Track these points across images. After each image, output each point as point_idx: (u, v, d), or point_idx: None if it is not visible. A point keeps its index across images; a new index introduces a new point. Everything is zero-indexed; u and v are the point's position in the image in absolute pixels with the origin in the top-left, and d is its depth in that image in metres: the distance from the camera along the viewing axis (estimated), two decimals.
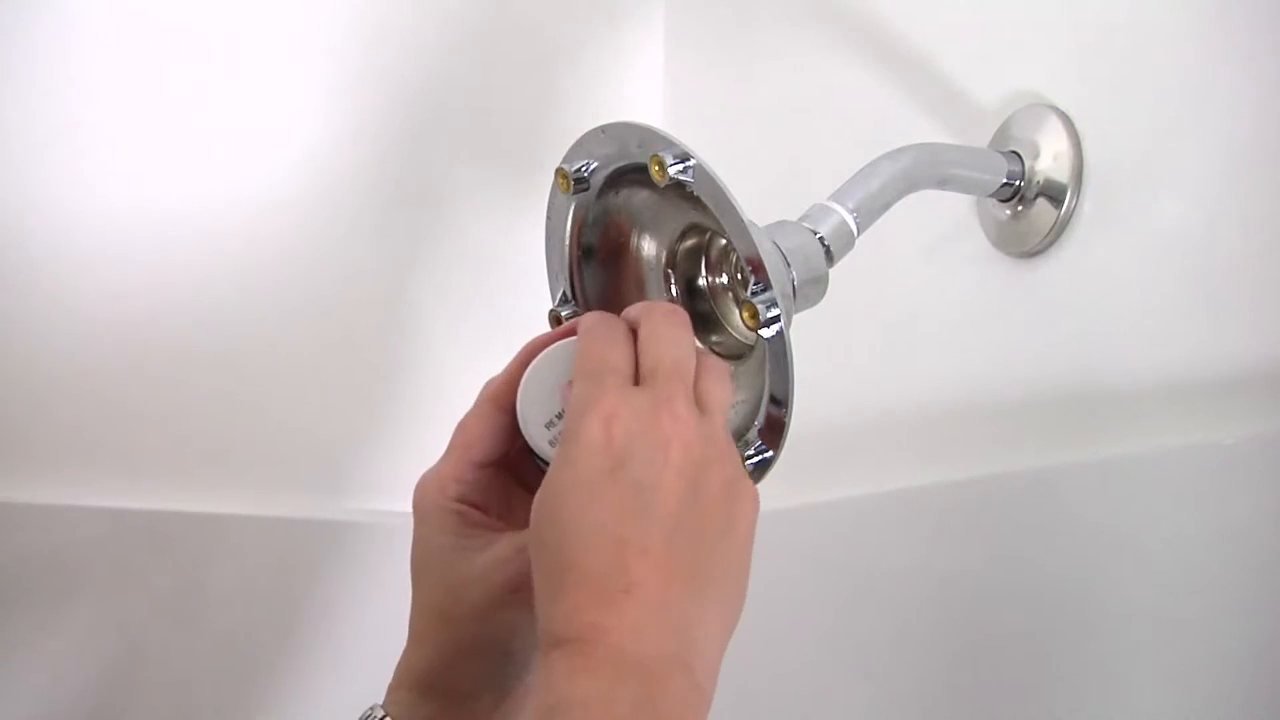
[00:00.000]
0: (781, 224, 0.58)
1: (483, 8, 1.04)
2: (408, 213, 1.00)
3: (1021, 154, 0.72)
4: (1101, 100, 0.70)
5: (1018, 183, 0.71)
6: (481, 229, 1.02)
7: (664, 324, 0.50)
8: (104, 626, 0.86)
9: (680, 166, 0.52)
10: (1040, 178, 0.71)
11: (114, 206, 0.89)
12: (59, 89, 0.88)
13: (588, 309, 0.60)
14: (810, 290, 0.56)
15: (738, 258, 0.58)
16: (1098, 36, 0.71)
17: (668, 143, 0.52)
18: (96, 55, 0.89)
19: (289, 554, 0.91)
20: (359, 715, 0.55)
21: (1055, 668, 0.66)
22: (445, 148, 1.02)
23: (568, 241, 0.60)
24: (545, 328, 0.60)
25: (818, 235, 0.58)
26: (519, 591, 0.53)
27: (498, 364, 0.56)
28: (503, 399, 0.55)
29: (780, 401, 0.53)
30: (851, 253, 0.60)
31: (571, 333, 0.55)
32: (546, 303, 0.61)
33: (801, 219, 0.59)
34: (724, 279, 0.61)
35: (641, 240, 0.60)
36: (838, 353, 0.85)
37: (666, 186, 0.52)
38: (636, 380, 0.49)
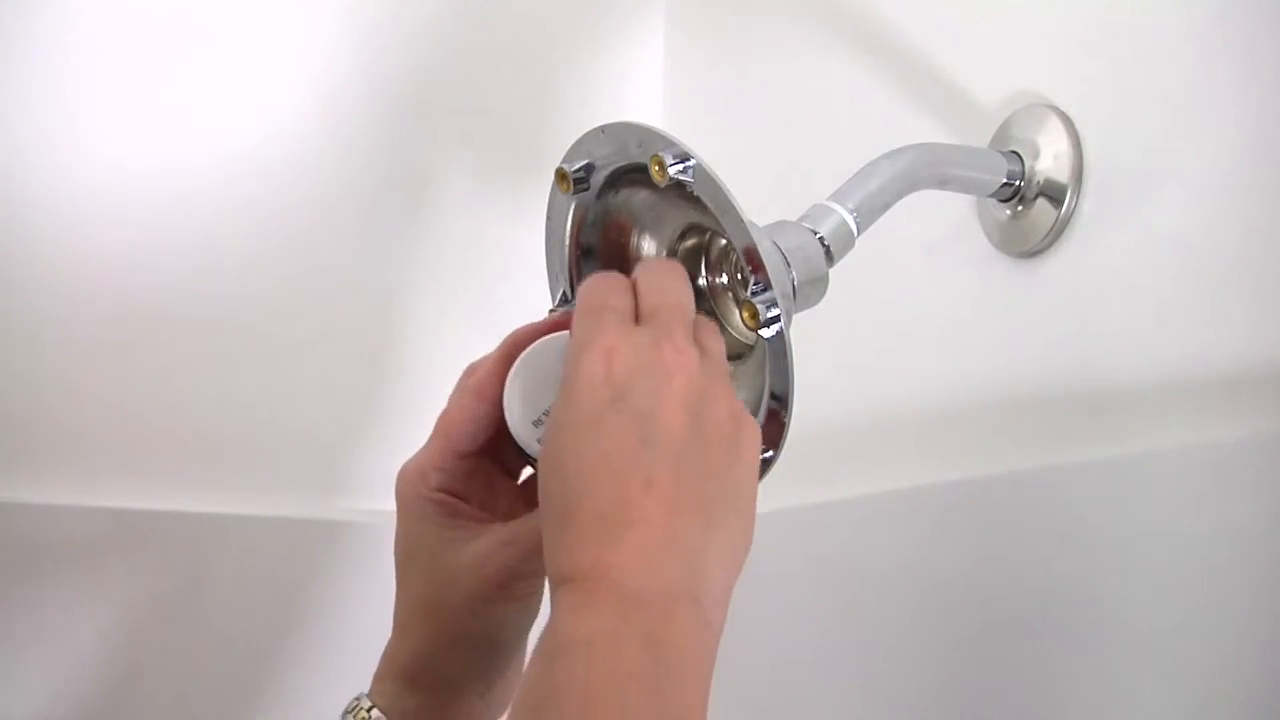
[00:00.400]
0: (781, 224, 0.58)
1: (482, 7, 1.04)
2: (407, 213, 1.00)
3: (1021, 154, 0.72)
4: (1101, 100, 0.70)
5: (1018, 183, 0.71)
6: (481, 229, 1.02)
7: (662, 272, 0.51)
8: (103, 626, 0.86)
9: (680, 166, 0.52)
10: (1040, 178, 0.71)
11: (114, 211, 0.89)
12: (60, 89, 0.88)
13: None
14: (810, 290, 0.56)
15: (738, 258, 0.58)
16: (1098, 36, 0.71)
17: (668, 143, 0.52)
18: (95, 55, 0.89)
19: (289, 554, 0.91)
20: (345, 706, 0.55)
21: (1055, 667, 0.66)
22: (445, 147, 1.02)
23: (567, 242, 0.60)
24: None
25: (818, 235, 0.58)
26: (506, 586, 0.53)
27: (479, 357, 0.56)
28: (485, 390, 0.55)
29: (780, 401, 0.53)
30: (851, 253, 0.60)
31: (559, 326, 0.55)
32: (546, 303, 0.61)
33: (801, 219, 0.59)
34: (724, 279, 0.61)
35: (641, 240, 0.60)
36: (838, 353, 0.85)
37: (666, 186, 0.52)
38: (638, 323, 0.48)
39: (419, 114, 1.01)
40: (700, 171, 0.51)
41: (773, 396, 0.53)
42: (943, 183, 0.68)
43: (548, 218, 0.60)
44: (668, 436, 0.44)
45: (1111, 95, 0.69)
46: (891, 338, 0.84)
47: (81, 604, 0.85)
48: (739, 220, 0.51)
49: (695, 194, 0.53)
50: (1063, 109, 0.71)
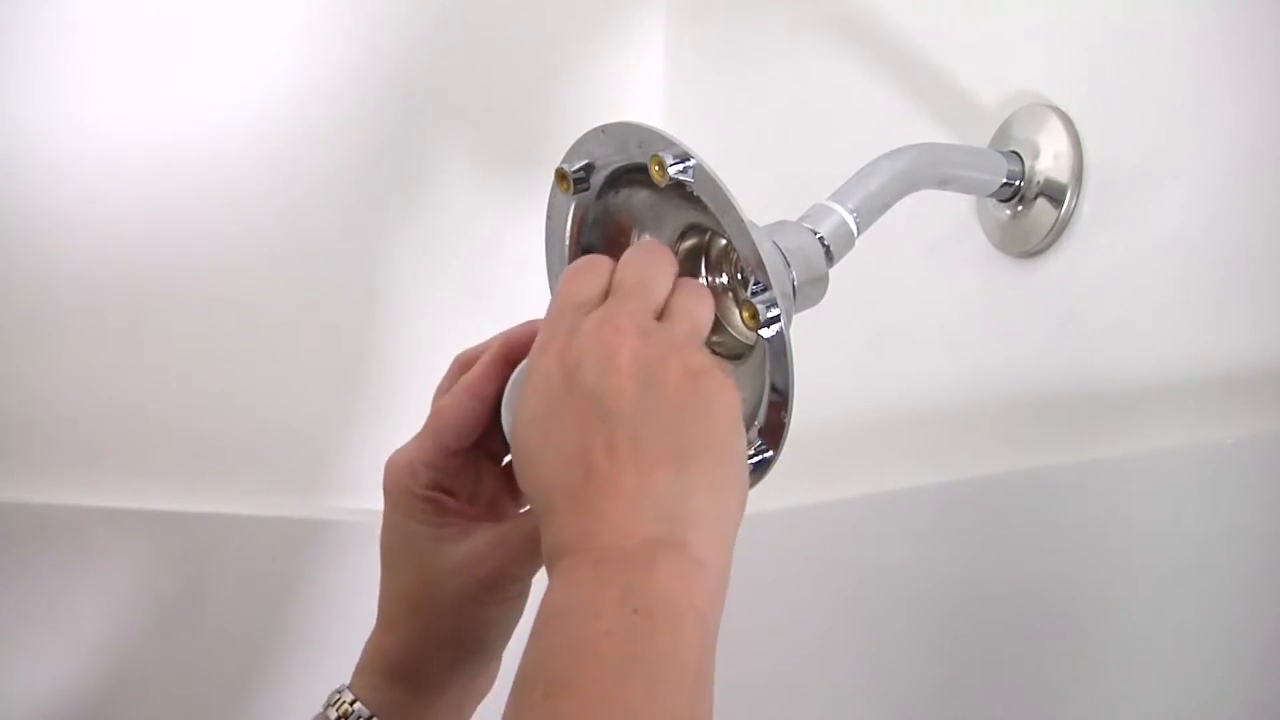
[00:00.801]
0: (781, 224, 0.58)
1: (483, 7, 1.04)
2: (407, 212, 1.00)
3: (1021, 154, 0.72)
4: (1101, 100, 0.70)
5: (1018, 183, 0.71)
6: (480, 229, 1.02)
7: (637, 251, 0.52)
8: (102, 626, 0.85)
9: (680, 166, 0.52)
10: (1040, 178, 0.71)
11: (113, 212, 0.89)
12: (59, 90, 0.88)
13: None
14: (810, 290, 0.56)
15: (738, 258, 0.58)
16: (1098, 36, 0.71)
17: (668, 143, 0.52)
18: (91, 53, 0.89)
19: (288, 553, 0.91)
20: (326, 698, 0.55)
21: (1055, 667, 0.66)
22: (445, 147, 1.02)
23: (568, 242, 0.60)
24: None
25: (818, 235, 0.58)
26: (494, 588, 0.53)
27: (471, 346, 0.56)
28: (479, 389, 0.55)
29: (780, 402, 0.53)
30: (851, 253, 0.60)
31: None
32: (546, 303, 0.61)
33: (801, 219, 0.59)
34: (724, 279, 0.61)
35: (641, 240, 0.60)
36: (838, 353, 0.85)
37: (666, 186, 0.52)
38: None
39: (419, 114, 1.01)
40: (700, 171, 0.51)
41: (772, 397, 0.53)
42: (943, 183, 0.68)
43: (548, 218, 0.60)
44: (620, 405, 0.45)
45: (1111, 95, 0.69)
46: (892, 338, 0.84)
47: (81, 604, 0.85)
48: (739, 220, 0.51)
49: (695, 194, 0.53)
50: (1063, 109, 0.71)
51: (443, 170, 1.01)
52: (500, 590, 0.54)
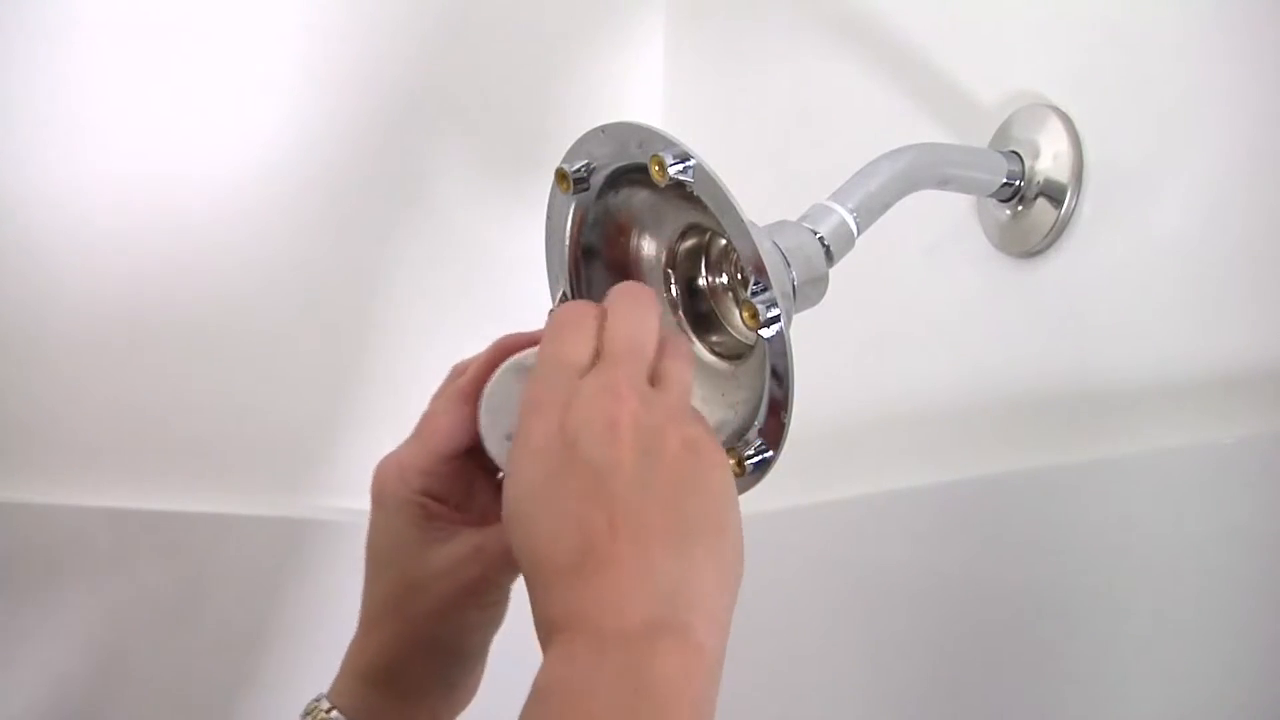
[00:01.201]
0: (781, 224, 0.58)
1: (483, 7, 1.04)
2: (406, 213, 1.00)
3: (1021, 154, 0.72)
4: (1101, 100, 0.70)
5: (1018, 183, 0.71)
6: (480, 229, 1.02)
7: (625, 303, 0.50)
8: (101, 625, 0.86)
9: (680, 166, 0.52)
10: (1040, 178, 0.71)
11: (112, 212, 0.89)
12: (61, 89, 0.88)
13: None
14: (810, 290, 0.56)
15: (738, 258, 0.58)
16: (1097, 36, 0.71)
17: (668, 143, 0.52)
18: (93, 60, 0.89)
19: (287, 554, 0.91)
20: (305, 706, 0.55)
21: (1055, 667, 0.66)
22: (445, 147, 1.02)
23: (568, 242, 0.60)
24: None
25: (818, 235, 0.58)
26: (475, 594, 0.53)
27: (467, 357, 0.56)
28: (469, 394, 0.55)
29: (780, 402, 0.53)
30: (851, 253, 0.60)
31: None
32: (545, 303, 0.61)
33: (801, 219, 0.59)
34: (724, 279, 0.61)
35: (641, 240, 0.60)
36: (838, 353, 0.85)
37: (666, 186, 0.52)
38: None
39: (419, 114, 1.01)
40: (700, 171, 0.51)
41: (772, 397, 0.53)
42: (943, 183, 0.68)
43: (548, 218, 0.60)
44: (620, 479, 0.45)
45: (1111, 95, 0.69)
46: (891, 338, 0.84)
47: (80, 603, 0.85)
48: (739, 220, 0.51)
49: (695, 194, 0.53)
50: (1063, 109, 0.71)
51: (442, 170, 1.01)
52: (481, 596, 0.54)
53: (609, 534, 0.44)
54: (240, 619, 0.89)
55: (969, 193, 0.74)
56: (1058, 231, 0.71)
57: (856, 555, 0.82)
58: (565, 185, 0.57)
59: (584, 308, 0.51)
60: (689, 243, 0.60)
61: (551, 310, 0.60)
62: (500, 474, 0.57)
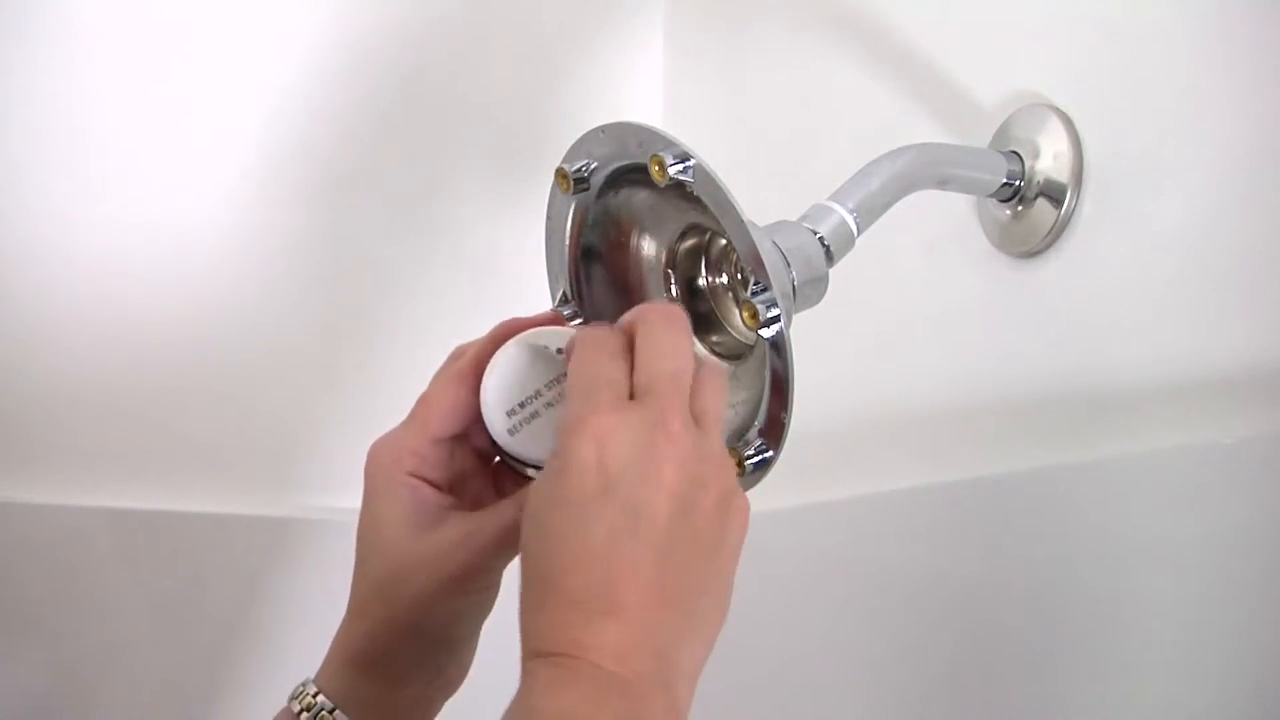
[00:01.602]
0: (781, 224, 0.58)
1: (481, 7, 1.04)
2: (404, 212, 1.00)
3: (1021, 154, 0.72)
4: (1101, 100, 0.70)
5: (1018, 183, 0.71)
6: (480, 229, 1.02)
7: (661, 330, 0.49)
8: (102, 626, 0.86)
9: (680, 166, 0.52)
10: (1040, 178, 0.71)
11: (112, 211, 0.89)
12: (60, 93, 0.88)
13: (588, 309, 0.60)
14: (810, 290, 0.56)
15: (738, 258, 0.58)
16: (1098, 36, 0.71)
17: (668, 143, 0.52)
18: (93, 61, 0.89)
19: (287, 553, 0.91)
20: (291, 691, 0.55)
21: (1054, 667, 0.66)
22: (444, 147, 1.02)
23: (568, 241, 0.60)
24: None
25: (818, 235, 0.58)
26: (463, 580, 0.53)
27: (468, 340, 0.56)
28: (467, 375, 0.55)
29: (780, 401, 0.53)
30: (851, 253, 0.60)
31: (551, 321, 0.55)
32: (545, 303, 0.61)
33: (801, 219, 0.59)
34: (724, 279, 0.61)
35: (641, 240, 0.60)
36: (838, 353, 0.85)
37: (666, 186, 0.52)
38: (632, 393, 0.47)
39: (419, 113, 1.01)
40: (700, 171, 0.51)
41: (772, 397, 0.53)
42: (943, 183, 0.68)
43: (548, 217, 0.60)
44: (654, 528, 0.45)
45: (1111, 95, 0.69)
46: (891, 338, 0.84)
47: (80, 603, 0.85)
48: (739, 220, 0.51)
49: (695, 194, 0.53)
50: (1063, 109, 0.71)
51: (442, 169, 1.01)
52: (471, 582, 0.53)
53: (628, 582, 0.44)
54: (239, 618, 0.89)
55: (969, 193, 0.74)
56: (1058, 231, 0.71)
57: (856, 555, 0.82)
58: (565, 185, 0.57)
59: (605, 329, 0.50)
60: (689, 243, 0.60)
61: (551, 310, 0.60)
62: (496, 457, 0.57)
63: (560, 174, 0.57)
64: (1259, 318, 0.61)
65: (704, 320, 0.61)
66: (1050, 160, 0.71)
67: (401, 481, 0.54)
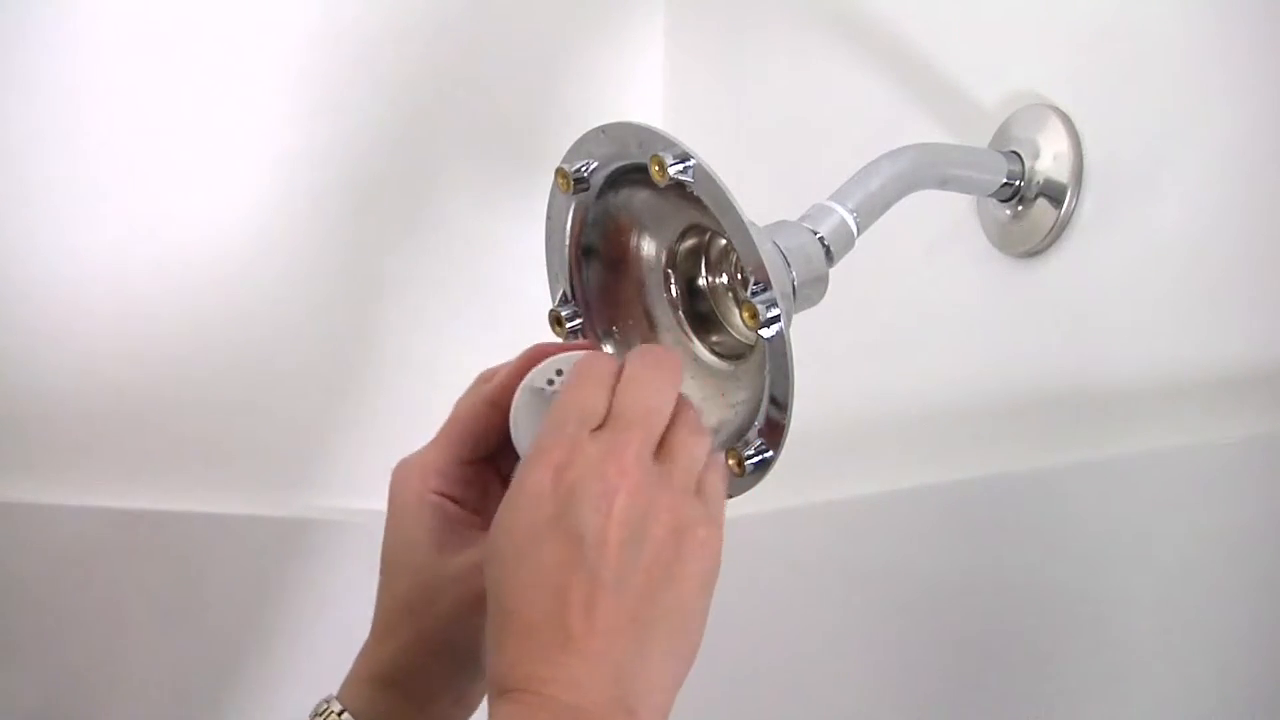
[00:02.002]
0: (781, 224, 0.58)
1: (481, 7, 1.04)
2: (406, 212, 1.00)
3: (1021, 154, 0.72)
4: (1101, 100, 0.70)
5: (1018, 183, 0.71)
6: (480, 229, 1.02)
7: (646, 367, 0.50)
8: (102, 626, 0.86)
9: (680, 166, 0.52)
10: (1040, 178, 0.71)
11: (114, 212, 0.89)
12: (60, 94, 0.88)
13: (587, 309, 0.60)
14: (810, 290, 0.56)
15: (738, 258, 0.58)
16: (1097, 36, 0.71)
17: (668, 143, 0.52)
18: (95, 63, 0.89)
19: (288, 554, 0.91)
20: (313, 708, 0.55)
21: (1055, 667, 0.66)
22: (444, 147, 1.02)
23: (568, 242, 0.60)
24: (543, 328, 0.60)
25: (818, 235, 0.58)
26: None
27: (494, 365, 0.56)
28: (499, 399, 0.55)
29: (780, 402, 0.53)
30: (851, 253, 0.60)
31: (582, 348, 0.55)
32: (544, 303, 0.61)
33: (801, 219, 0.59)
34: (724, 279, 0.61)
35: (641, 240, 0.60)
36: (838, 353, 0.85)
37: (666, 186, 0.52)
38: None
39: (419, 113, 1.01)
40: (700, 171, 0.51)
41: (772, 397, 0.53)
42: (943, 183, 0.68)
43: (548, 218, 0.60)
44: (602, 558, 0.45)
45: (1111, 95, 0.69)
46: (891, 337, 0.84)
47: (80, 603, 0.85)
48: (739, 220, 0.51)
49: (695, 194, 0.53)
50: (1063, 109, 0.71)
51: (442, 170, 1.01)
52: None
53: (582, 613, 0.45)
54: (240, 619, 0.89)
55: (969, 193, 0.74)
56: (1058, 231, 0.71)
57: (856, 555, 0.82)
58: (565, 185, 0.57)
59: (604, 359, 0.51)
60: (689, 243, 0.60)
61: (552, 310, 0.60)
62: None
63: (560, 174, 0.57)
64: (1259, 318, 0.61)
65: (704, 320, 0.61)
66: (1050, 160, 0.71)
67: (426, 500, 0.55)
